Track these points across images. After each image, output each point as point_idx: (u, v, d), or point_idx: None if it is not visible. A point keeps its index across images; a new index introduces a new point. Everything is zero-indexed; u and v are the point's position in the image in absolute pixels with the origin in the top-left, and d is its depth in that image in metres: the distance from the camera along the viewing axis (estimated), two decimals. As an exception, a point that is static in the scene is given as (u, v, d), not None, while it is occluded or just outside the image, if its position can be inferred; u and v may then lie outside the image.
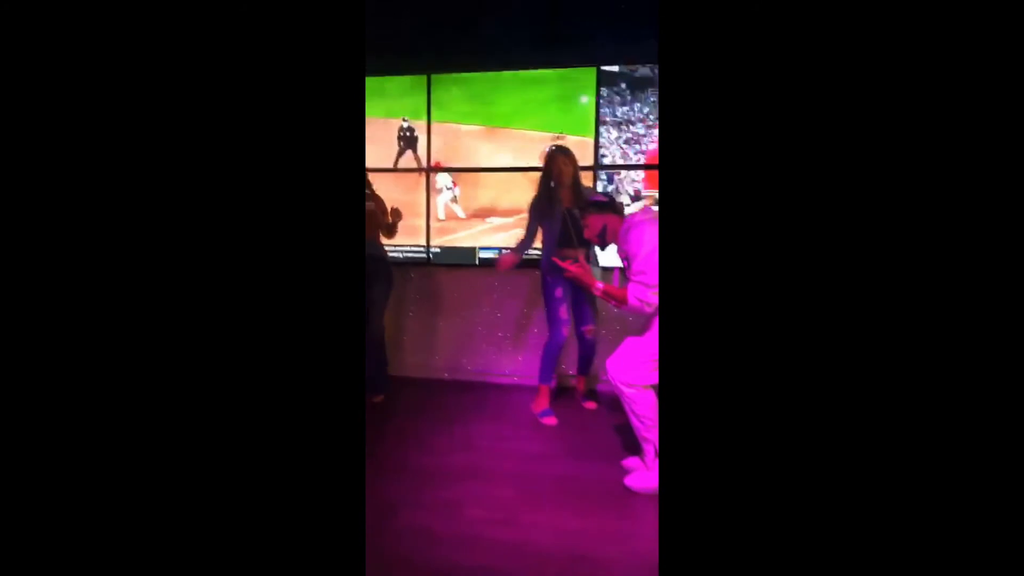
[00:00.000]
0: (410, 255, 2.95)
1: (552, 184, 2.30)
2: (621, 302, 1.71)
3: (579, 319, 2.45)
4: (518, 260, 2.36)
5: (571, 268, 1.77)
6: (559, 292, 2.34)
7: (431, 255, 2.93)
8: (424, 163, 2.91)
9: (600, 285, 1.75)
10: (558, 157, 2.31)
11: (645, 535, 1.45)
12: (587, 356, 2.53)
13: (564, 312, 2.33)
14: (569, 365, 2.69)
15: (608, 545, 1.42)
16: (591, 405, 2.52)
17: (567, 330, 2.36)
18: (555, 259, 1.87)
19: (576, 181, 2.32)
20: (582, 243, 2.26)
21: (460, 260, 2.89)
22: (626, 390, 1.68)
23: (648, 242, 1.66)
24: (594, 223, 1.85)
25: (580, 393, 2.61)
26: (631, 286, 1.67)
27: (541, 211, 2.32)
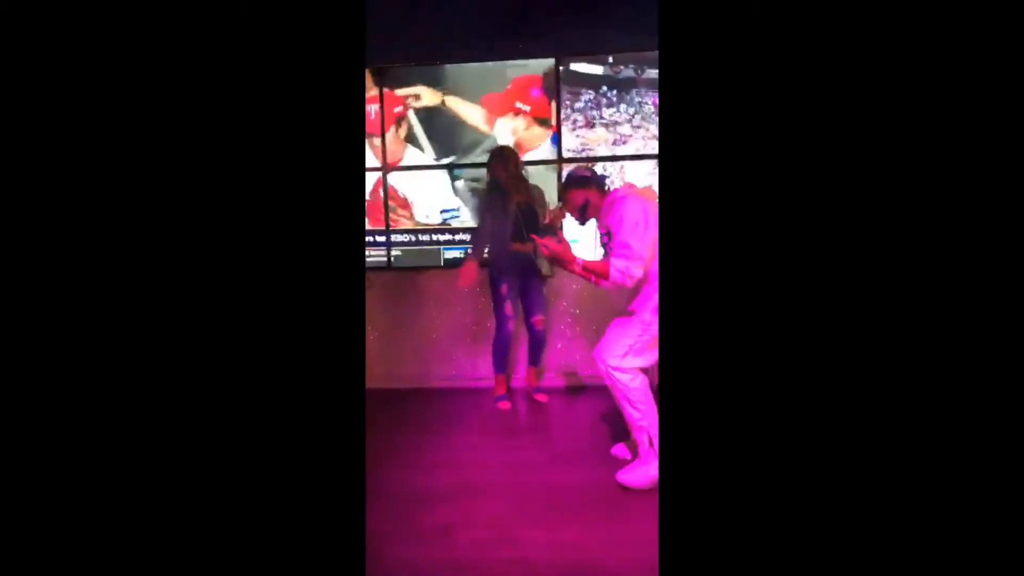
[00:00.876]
0: (370, 261, 2.80)
1: (496, 182, 2.32)
2: (602, 276, 1.64)
3: (528, 310, 2.44)
4: (478, 262, 2.33)
5: (551, 245, 1.66)
6: (504, 289, 2.38)
7: (392, 259, 2.79)
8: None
9: (580, 261, 1.66)
10: (493, 160, 2.33)
11: (646, 540, 1.42)
12: (537, 347, 2.53)
13: (509, 309, 2.39)
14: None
15: (610, 554, 1.38)
16: (542, 398, 2.52)
17: (513, 325, 2.42)
18: (533, 236, 1.82)
19: (519, 178, 2.32)
20: (530, 238, 2.24)
21: (424, 262, 2.77)
22: (617, 375, 1.64)
23: (630, 215, 1.63)
24: (575, 198, 1.80)
25: (530, 386, 2.59)
26: (613, 259, 1.63)
27: (490, 208, 2.32)
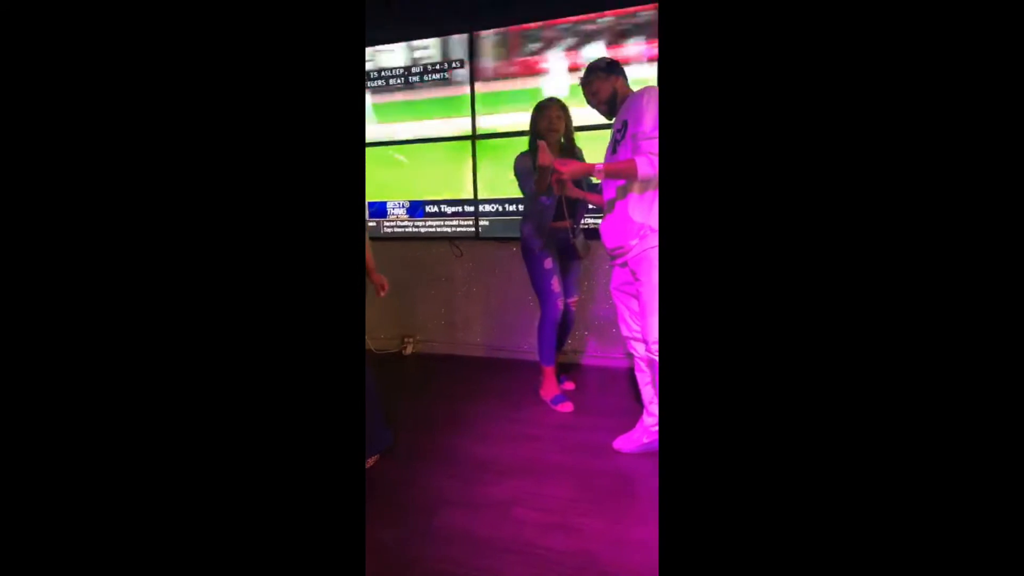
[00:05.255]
0: (459, 230, 2.81)
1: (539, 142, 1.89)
2: (629, 174, 1.49)
3: (567, 290, 2.24)
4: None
5: (562, 169, 1.57)
6: (548, 263, 2.08)
7: (480, 229, 2.77)
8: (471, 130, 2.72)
9: (599, 166, 1.53)
10: (550, 109, 1.98)
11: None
12: (567, 331, 2.34)
13: (556, 284, 2.10)
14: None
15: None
16: (569, 385, 2.37)
17: (562, 303, 2.13)
18: (556, 165, 1.62)
19: (569, 140, 2.05)
20: (573, 215, 2.05)
21: (511, 233, 2.70)
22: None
23: (654, 108, 1.47)
24: (602, 88, 1.64)
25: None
26: (644, 145, 1.47)
27: (528, 173, 2.01)
